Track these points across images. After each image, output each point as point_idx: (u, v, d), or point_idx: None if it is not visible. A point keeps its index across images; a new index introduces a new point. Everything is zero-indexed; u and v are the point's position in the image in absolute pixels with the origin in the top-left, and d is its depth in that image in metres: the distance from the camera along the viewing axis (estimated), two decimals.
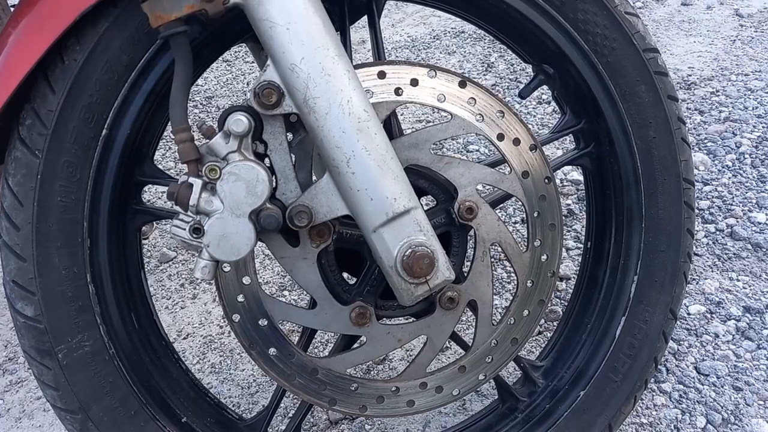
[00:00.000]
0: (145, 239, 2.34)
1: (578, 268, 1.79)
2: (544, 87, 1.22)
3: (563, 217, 1.11)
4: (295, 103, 0.88)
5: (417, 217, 0.93)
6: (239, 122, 0.86)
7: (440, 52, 3.27)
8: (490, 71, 2.90)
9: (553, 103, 2.60)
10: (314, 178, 1.00)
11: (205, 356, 1.85)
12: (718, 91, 2.62)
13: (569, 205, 2.08)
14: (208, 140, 0.88)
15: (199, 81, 3.38)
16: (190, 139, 0.87)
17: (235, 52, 3.67)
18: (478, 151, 2.40)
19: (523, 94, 1.20)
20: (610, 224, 1.23)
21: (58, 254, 0.96)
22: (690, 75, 2.76)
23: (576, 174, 2.24)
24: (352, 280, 1.11)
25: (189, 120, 0.89)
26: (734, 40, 3.04)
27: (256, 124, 0.91)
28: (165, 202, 2.50)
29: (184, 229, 0.89)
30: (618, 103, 1.14)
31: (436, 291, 0.99)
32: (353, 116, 0.88)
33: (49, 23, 0.91)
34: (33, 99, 0.94)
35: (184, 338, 1.92)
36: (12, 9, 1.41)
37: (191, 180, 0.87)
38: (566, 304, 1.76)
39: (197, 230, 0.89)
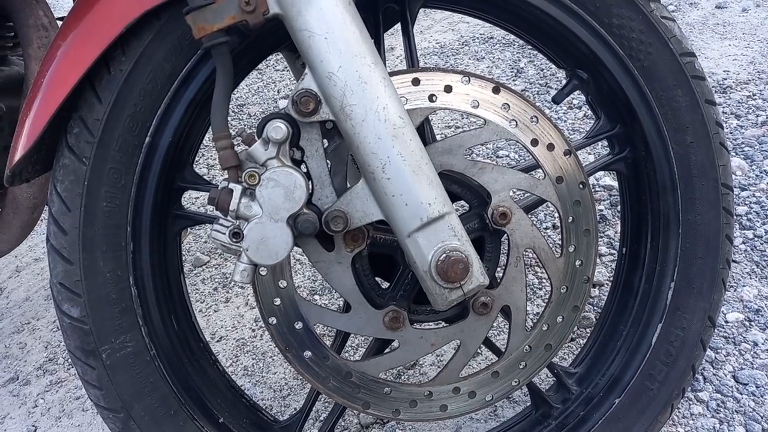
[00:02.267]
0: None
1: (612, 274, 1.77)
2: (576, 92, 1.21)
3: (597, 223, 1.11)
4: (331, 110, 0.90)
5: (451, 222, 0.94)
6: (278, 129, 0.88)
7: (469, 58, 3.27)
8: (519, 76, 2.89)
9: (584, 108, 2.58)
10: (349, 183, 1.01)
11: (238, 359, 1.88)
12: (754, 94, 2.56)
13: (601, 210, 2.05)
14: (247, 147, 0.90)
15: None
16: (230, 146, 0.90)
17: (265, 60, 3.72)
18: (507, 156, 2.39)
19: (556, 99, 1.20)
20: (646, 230, 1.21)
21: (102, 258, 1.00)
22: (725, 79, 2.70)
23: (609, 179, 2.21)
24: (385, 284, 1.13)
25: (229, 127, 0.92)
26: None
27: (293, 131, 0.93)
28: (199, 207, 2.55)
29: (224, 234, 0.92)
30: (654, 108, 1.13)
31: (470, 296, 1.00)
32: (389, 123, 0.89)
33: (96, 35, 0.95)
34: (81, 108, 0.98)
35: (218, 341, 1.96)
36: (59, 22, 1.47)
37: (231, 186, 0.90)
38: (599, 310, 1.74)
39: (237, 234, 0.91)
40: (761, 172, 2.12)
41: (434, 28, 3.78)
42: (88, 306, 1.00)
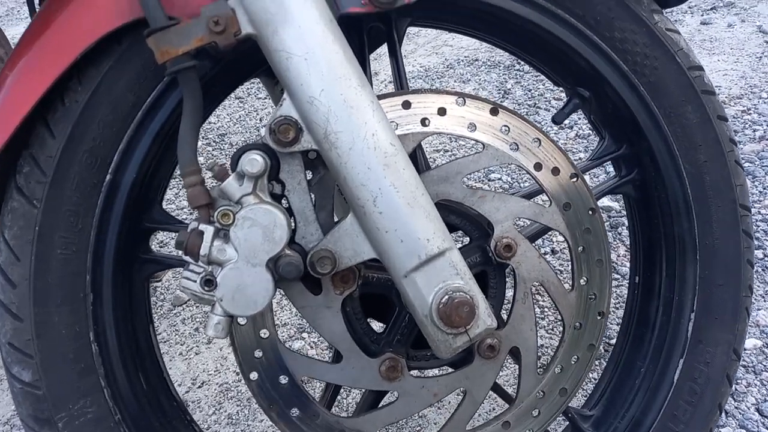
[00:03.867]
0: (157, 282, 2.26)
1: (617, 302, 1.67)
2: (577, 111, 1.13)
3: (610, 252, 1.01)
4: (314, 138, 0.80)
5: (453, 258, 0.83)
6: (254, 162, 0.78)
7: (454, 81, 3.21)
8: (506, 98, 2.83)
9: (575, 128, 2.52)
10: (336, 219, 0.91)
11: (222, 406, 1.75)
12: (749, 109, 2.52)
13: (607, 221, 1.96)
14: (220, 183, 0.80)
15: (212, 118, 3.36)
16: (200, 182, 0.79)
17: (248, 88, 3.65)
18: (500, 179, 2.30)
19: (556, 120, 1.11)
20: (660, 257, 1.12)
21: (58, 312, 0.88)
22: (718, 94, 2.67)
23: (606, 200, 2.14)
24: (376, 323, 1.01)
25: (199, 161, 0.81)
26: (760, 57, 2.95)
27: (272, 162, 0.83)
28: (170, 252, 2.43)
29: (195, 281, 0.81)
30: (663, 126, 1.04)
31: (477, 341, 0.89)
32: (379, 150, 0.79)
33: (48, 63, 0.84)
34: (31, 145, 0.87)
35: (199, 387, 1.82)
36: None
37: (202, 227, 0.79)
38: (609, 342, 1.64)
39: (209, 282, 0.80)
40: (764, 188, 2.06)
41: (418, 52, 3.73)
42: (41, 368, 0.88)
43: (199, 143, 3.09)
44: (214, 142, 3.12)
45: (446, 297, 0.82)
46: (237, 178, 0.79)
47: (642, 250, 1.16)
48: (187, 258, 0.82)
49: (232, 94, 3.68)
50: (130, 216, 0.94)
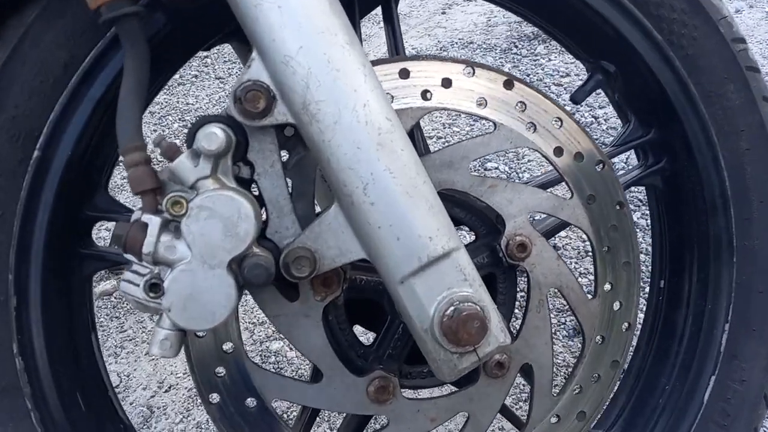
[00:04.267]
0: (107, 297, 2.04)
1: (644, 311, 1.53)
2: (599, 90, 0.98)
3: (639, 253, 0.87)
4: (291, 109, 0.64)
5: (460, 261, 0.68)
6: (212, 137, 0.61)
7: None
8: None
9: (577, 115, 2.37)
10: (318, 210, 0.76)
11: (190, 413, 1.59)
12: None
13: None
14: (169, 162, 0.63)
15: (190, 99, 3.16)
16: (144, 162, 0.63)
17: (229, 69, 3.45)
18: (497, 168, 2.15)
19: (576, 99, 0.96)
20: (690, 259, 0.98)
21: None
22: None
23: None
24: (360, 329, 0.86)
25: (146, 136, 0.64)
26: None
27: (237, 139, 0.66)
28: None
29: (138, 286, 0.64)
30: (700, 107, 0.90)
31: (487, 360, 0.74)
32: (371, 126, 0.63)
33: None
34: None
35: (166, 391, 1.65)
36: None
37: (146, 217, 0.62)
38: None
39: (155, 287, 0.63)
40: None
41: (409, 33, 3.56)
42: None
43: (176, 126, 2.89)
44: (191, 124, 2.92)
45: (452, 309, 0.67)
46: (191, 156, 0.63)
47: (668, 250, 1.01)
48: (129, 257, 0.65)
49: (212, 73, 3.44)
50: (66, 202, 0.77)
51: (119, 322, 1.89)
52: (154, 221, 0.62)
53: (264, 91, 0.63)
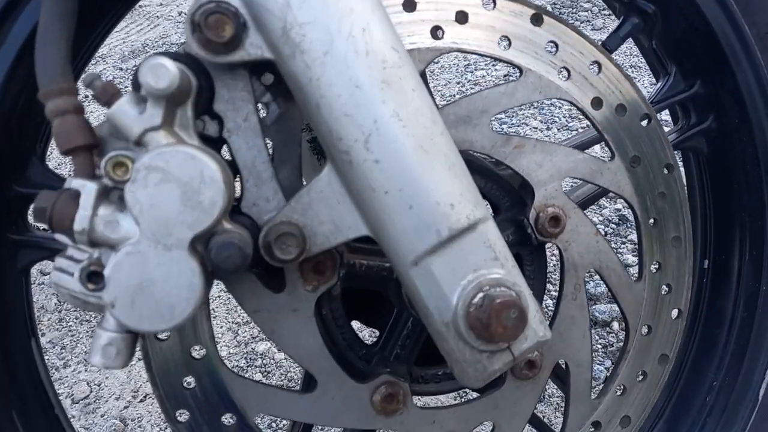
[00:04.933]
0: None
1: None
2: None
3: (691, 226, 0.73)
4: (267, 38, 0.49)
5: (489, 235, 0.53)
6: (160, 70, 0.46)
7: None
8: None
9: None
10: (305, 178, 0.61)
11: (168, 425, 1.43)
12: None
13: (620, 210, 1.70)
14: (106, 108, 0.48)
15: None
16: (72, 110, 0.47)
17: None
18: (499, 129, 2.00)
19: (610, 46, 0.81)
20: (741, 234, 0.84)
21: None
22: None
23: None
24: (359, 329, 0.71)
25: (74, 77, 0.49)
26: None
27: (200, 83, 0.51)
28: None
29: (73, 275, 0.49)
30: (755, 53, 0.76)
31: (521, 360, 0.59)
32: (374, 57, 0.49)
33: None
34: None
35: (141, 401, 1.49)
36: None
37: (77, 184, 0.47)
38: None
39: (94, 276, 0.48)
40: None
41: None
42: None
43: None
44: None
45: (481, 296, 0.52)
46: (135, 100, 0.47)
47: (714, 225, 0.88)
48: (62, 237, 0.50)
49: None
50: None
51: (89, 326, 1.73)
52: (88, 188, 0.47)
53: (231, 14, 0.48)
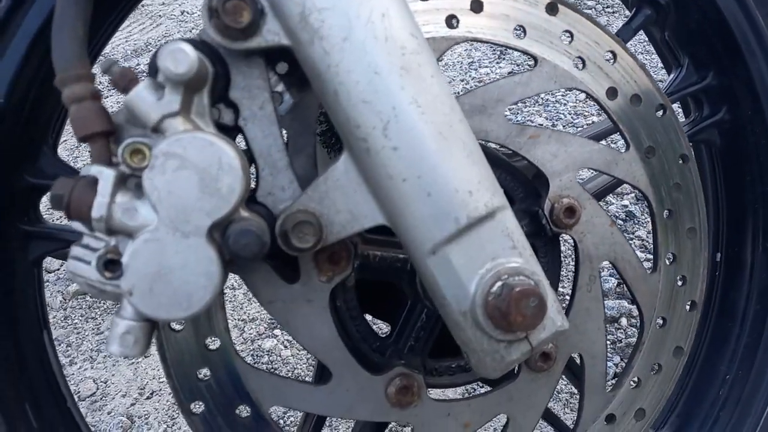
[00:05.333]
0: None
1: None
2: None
3: (707, 217, 0.72)
4: (285, 24, 0.48)
5: (507, 223, 0.53)
6: (179, 55, 0.45)
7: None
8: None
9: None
10: (321, 166, 0.60)
11: (175, 422, 1.42)
12: None
13: (627, 206, 1.69)
14: (123, 94, 0.47)
15: None
16: (90, 96, 0.47)
17: None
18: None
19: (622, 37, 0.81)
20: (755, 226, 0.84)
21: None
22: None
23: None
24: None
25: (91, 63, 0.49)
26: None
27: (216, 70, 0.51)
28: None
29: (90, 263, 0.48)
30: None
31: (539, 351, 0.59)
32: (393, 44, 0.48)
33: None
34: None
35: (148, 398, 1.49)
36: None
37: (95, 171, 0.47)
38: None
39: (112, 264, 0.48)
40: None
41: None
42: None
43: None
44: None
45: (499, 284, 0.52)
46: (153, 86, 0.47)
47: (726, 217, 0.87)
48: (78, 225, 0.49)
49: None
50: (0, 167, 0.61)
51: (95, 323, 1.72)
52: (106, 175, 0.46)
53: (249, 0, 0.48)
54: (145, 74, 0.53)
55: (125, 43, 3.33)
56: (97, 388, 1.53)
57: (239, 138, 0.55)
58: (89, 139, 0.47)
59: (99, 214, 0.46)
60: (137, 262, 0.47)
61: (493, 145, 0.67)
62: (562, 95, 2.15)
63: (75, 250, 0.50)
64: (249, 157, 0.55)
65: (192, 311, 0.48)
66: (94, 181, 0.47)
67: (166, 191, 0.46)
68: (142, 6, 3.65)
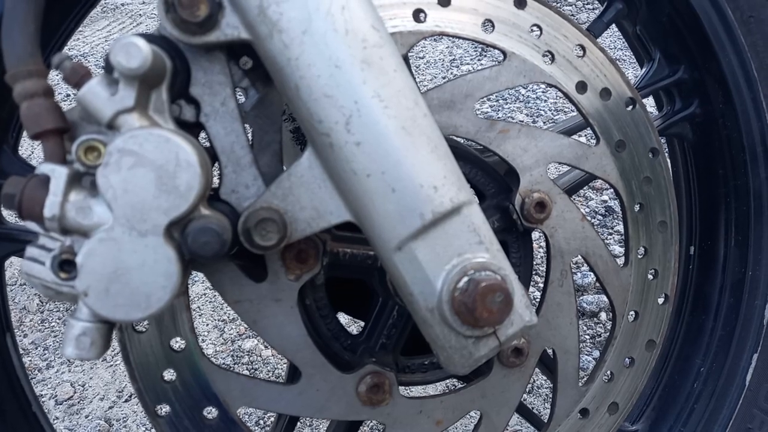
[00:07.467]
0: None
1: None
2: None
3: (677, 210, 0.72)
4: (244, 18, 0.47)
5: (473, 218, 0.52)
6: (131, 49, 0.44)
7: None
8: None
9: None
10: (286, 163, 0.60)
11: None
12: None
13: (606, 201, 1.70)
14: (76, 90, 0.46)
15: None
16: (42, 92, 0.46)
17: None
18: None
19: (594, 31, 0.81)
20: (726, 219, 0.84)
21: None
22: None
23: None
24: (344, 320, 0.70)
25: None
26: None
27: (175, 66, 0.50)
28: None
29: (44, 264, 0.47)
30: (738, 37, 0.76)
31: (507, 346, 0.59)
32: (354, 36, 0.47)
33: None
34: None
35: (126, 401, 1.47)
36: None
37: (47, 169, 0.45)
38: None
39: (67, 265, 0.46)
40: None
41: None
42: None
43: None
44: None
45: (465, 280, 0.51)
46: (106, 82, 0.45)
47: (699, 211, 0.88)
48: (33, 225, 0.48)
49: None
50: None
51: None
52: (58, 173, 0.45)
53: None
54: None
55: (105, 42, 3.29)
56: (75, 392, 1.51)
57: (203, 135, 0.55)
58: (41, 136, 0.46)
59: (51, 213, 0.45)
60: (92, 262, 0.46)
61: (463, 141, 0.67)
62: (543, 92, 2.15)
63: (30, 250, 0.49)
64: (212, 154, 0.54)
65: (150, 311, 0.47)
66: (46, 180, 0.45)
67: (122, 189, 0.45)
68: (122, 5, 3.60)
